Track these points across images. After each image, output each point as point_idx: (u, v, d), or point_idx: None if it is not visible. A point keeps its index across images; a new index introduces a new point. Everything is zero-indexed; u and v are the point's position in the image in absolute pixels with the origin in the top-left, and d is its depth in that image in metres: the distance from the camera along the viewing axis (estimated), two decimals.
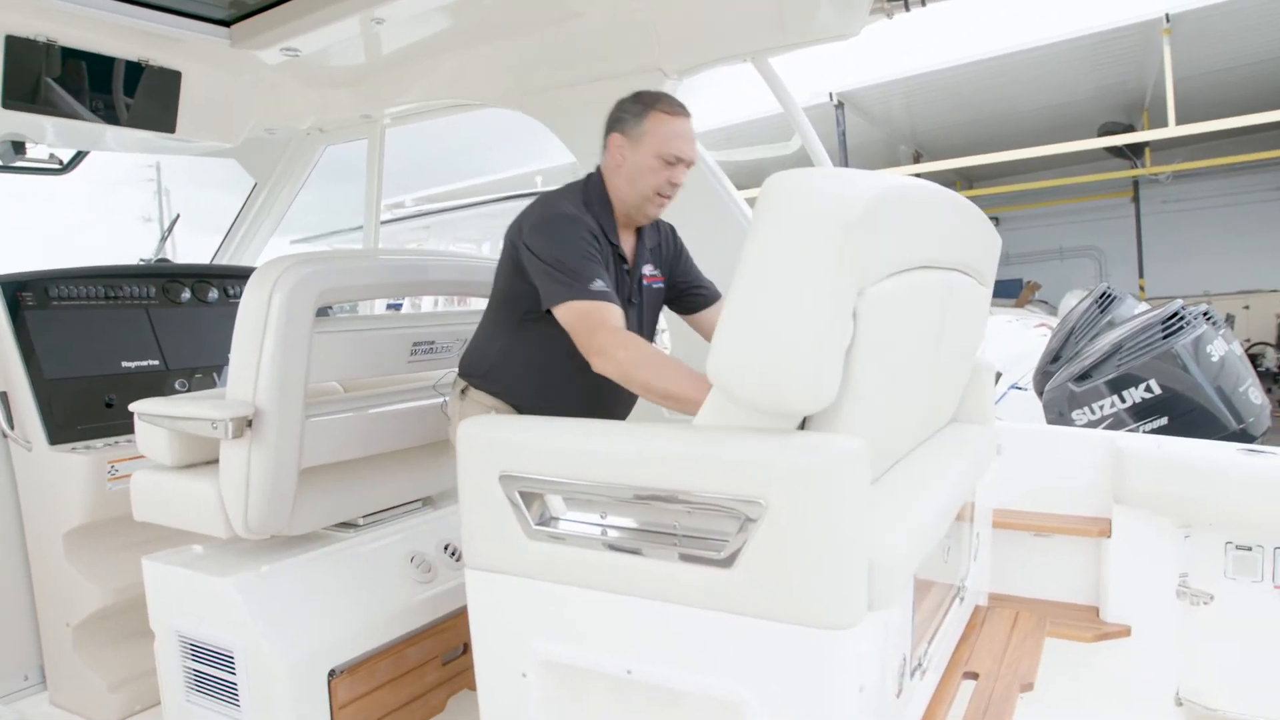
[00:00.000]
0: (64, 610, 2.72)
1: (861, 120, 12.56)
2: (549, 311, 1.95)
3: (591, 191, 2.14)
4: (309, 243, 14.17)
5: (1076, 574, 2.68)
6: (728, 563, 1.35)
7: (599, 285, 1.92)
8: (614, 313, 1.89)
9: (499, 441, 1.57)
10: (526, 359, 2.13)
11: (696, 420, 1.48)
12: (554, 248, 1.96)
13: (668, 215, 2.93)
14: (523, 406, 2.16)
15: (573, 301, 1.90)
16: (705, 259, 2.41)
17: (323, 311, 2.18)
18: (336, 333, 2.27)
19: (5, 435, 2.73)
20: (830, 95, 11.48)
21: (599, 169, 2.18)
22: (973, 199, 2.10)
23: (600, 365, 1.86)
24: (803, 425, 1.42)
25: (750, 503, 1.31)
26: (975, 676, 2.02)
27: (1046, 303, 13.10)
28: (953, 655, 2.11)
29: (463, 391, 2.22)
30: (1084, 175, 14.04)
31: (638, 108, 2.10)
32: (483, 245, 12.23)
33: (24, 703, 2.80)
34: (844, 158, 11.50)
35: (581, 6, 2.73)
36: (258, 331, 2.04)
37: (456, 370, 2.31)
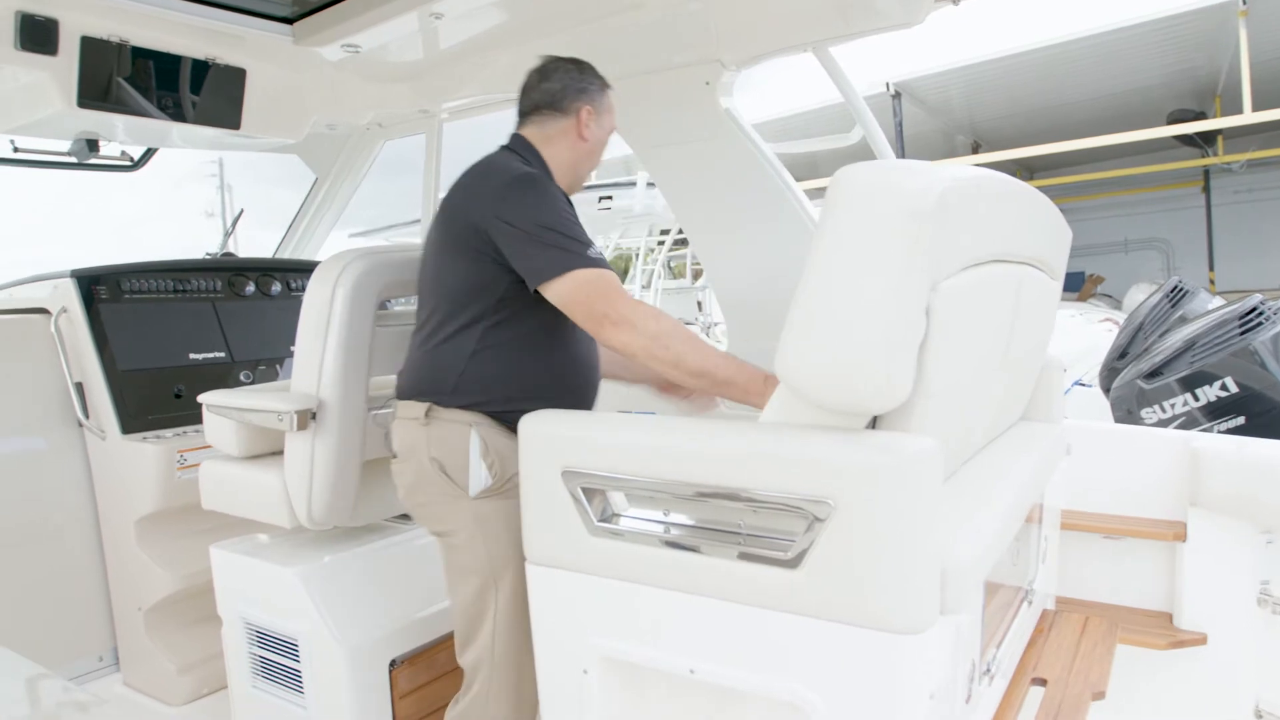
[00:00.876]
0: (135, 594, 2.80)
1: (918, 110, 12.33)
2: (535, 292, 1.73)
3: (533, 162, 1.90)
4: (367, 236, 14.37)
5: (1149, 579, 2.59)
6: (794, 563, 1.32)
7: (596, 252, 1.71)
8: (619, 282, 1.73)
9: (561, 437, 1.56)
10: (505, 357, 1.82)
11: (762, 417, 1.46)
12: (539, 212, 1.71)
13: (732, 210, 2.90)
14: (501, 414, 1.83)
15: (577, 270, 1.67)
16: (768, 252, 2.38)
17: (382, 305, 2.20)
18: (398, 326, 2.29)
19: (81, 424, 2.82)
20: (887, 85, 11.29)
21: (522, 138, 1.94)
22: None
23: (623, 338, 1.66)
24: (872, 424, 1.38)
25: (818, 503, 1.28)
26: (1044, 683, 1.96)
27: (1110, 296, 12.72)
28: (1020, 660, 2.05)
29: (426, 414, 1.82)
30: (1151, 165, 13.59)
31: (597, 81, 1.97)
32: None
33: (98, 683, 2.89)
34: (900, 149, 11.30)
35: None
36: (321, 325, 2.07)
37: (396, 400, 1.91)
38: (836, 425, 1.36)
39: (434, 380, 1.83)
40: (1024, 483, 1.78)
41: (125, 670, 2.92)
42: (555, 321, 1.79)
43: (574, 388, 1.91)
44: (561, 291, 1.69)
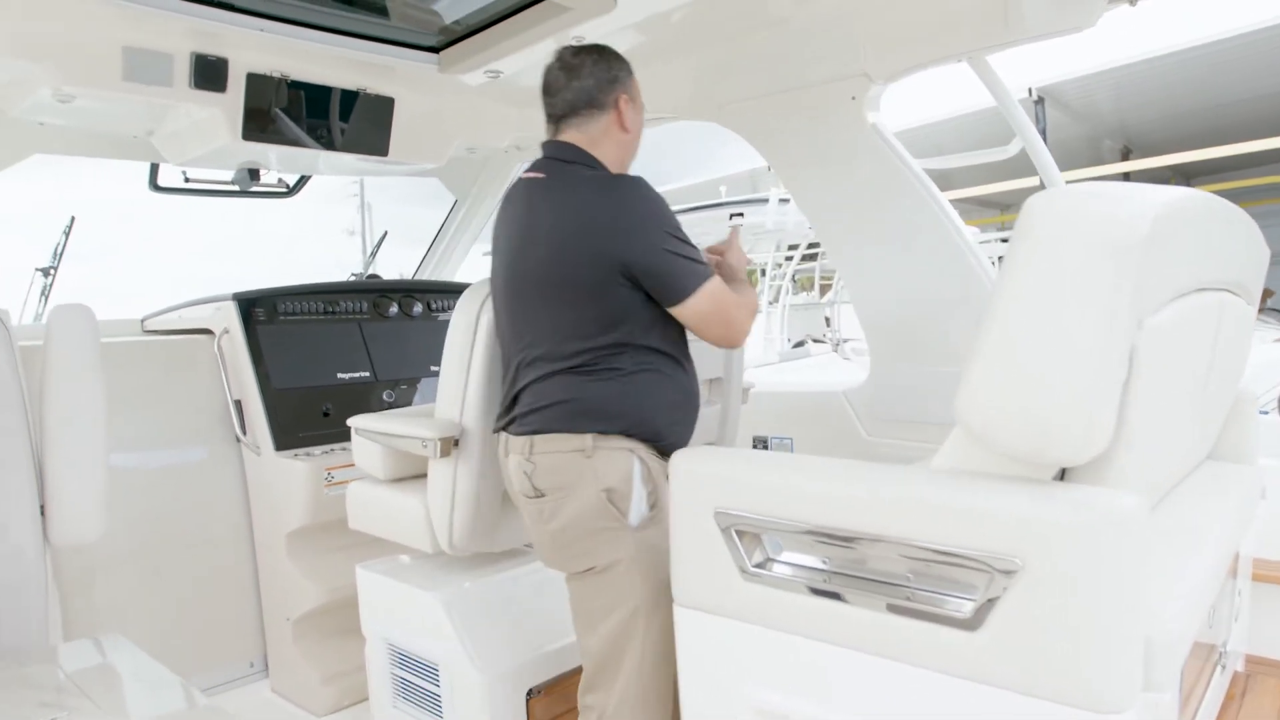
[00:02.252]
0: (285, 605, 2.91)
1: (1061, 115, 11.67)
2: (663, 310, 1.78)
3: (596, 166, 1.83)
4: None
5: None
6: (972, 625, 1.20)
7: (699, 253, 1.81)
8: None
9: (713, 475, 1.49)
10: (653, 381, 1.81)
11: (935, 463, 1.35)
12: (667, 222, 1.73)
13: (878, 228, 2.77)
14: (655, 439, 1.82)
15: (709, 282, 1.74)
16: (917, 273, 2.24)
17: None
18: None
19: (239, 440, 2.96)
20: (1029, 90, 10.74)
21: (571, 145, 1.84)
22: None
23: (740, 339, 1.85)
24: (1060, 475, 1.25)
25: (1003, 559, 1.16)
26: None
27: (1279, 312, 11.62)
28: None
29: (592, 444, 1.76)
30: None
31: (624, 65, 1.88)
32: None
33: (248, 688, 3.02)
34: None
35: (784, 12, 2.63)
36: (465, 352, 2.08)
37: (528, 435, 1.82)
38: (1021, 475, 1.24)
39: (593, 410, 1.76)
40: (1223, 535, 1.59)
41: (274, 677, 3.03)
42: (676, 338, 1.87)
43: (695, 405, 1.94)
44: (698, 306, 1.75)
